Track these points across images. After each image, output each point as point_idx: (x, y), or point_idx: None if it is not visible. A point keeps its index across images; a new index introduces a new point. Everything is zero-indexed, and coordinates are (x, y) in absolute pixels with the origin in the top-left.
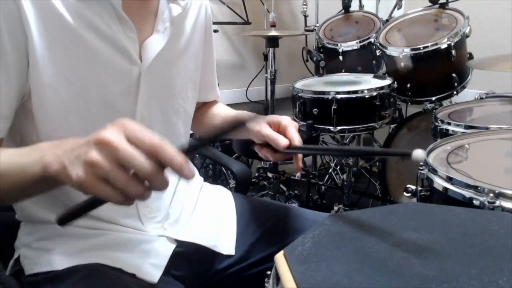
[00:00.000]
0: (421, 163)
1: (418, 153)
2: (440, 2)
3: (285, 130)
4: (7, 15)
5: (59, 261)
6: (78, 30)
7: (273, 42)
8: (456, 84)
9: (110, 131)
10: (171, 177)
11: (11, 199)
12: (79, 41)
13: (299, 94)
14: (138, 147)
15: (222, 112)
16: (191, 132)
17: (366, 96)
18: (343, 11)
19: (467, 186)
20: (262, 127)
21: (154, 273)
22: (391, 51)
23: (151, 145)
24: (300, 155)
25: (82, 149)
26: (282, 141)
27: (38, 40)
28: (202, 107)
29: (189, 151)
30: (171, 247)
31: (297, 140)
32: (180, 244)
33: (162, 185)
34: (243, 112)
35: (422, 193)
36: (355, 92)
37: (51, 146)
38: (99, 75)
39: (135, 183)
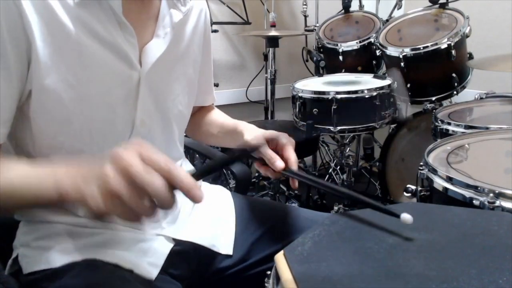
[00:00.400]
0: (421, 163)
1: (406, 217)
2: (440, 2)
3: (282, 149)
4: (10, 22)
5: (57, 259)
6: (79, 35)
7: (273, 42)
8: (456, 84)
9: (125, 150)
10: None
11: (17, 212)
12: (80, 47)
13: (299, 94)
14: (152, 168)
15: (219, 119)
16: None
17: (366, 96)
18: (343, 11)
19: (467, 186)
20: (260, 143)
21: (151, 271)
22: (391, 51)
23: (166, 169)
24: (295, 181)
25: (100, 176)
26: (278, 164)
27: (41, 46)
28: (199, 111)
29: (199, 175)
30: (168, 246)
31: (293, 160)
32: (178, 243)
33: (171, 205)
34: (241, 122)
35: (422, 193)
36: (355, 92)
37: (66, 171)
38: (101, 80)
39: (146, 204)
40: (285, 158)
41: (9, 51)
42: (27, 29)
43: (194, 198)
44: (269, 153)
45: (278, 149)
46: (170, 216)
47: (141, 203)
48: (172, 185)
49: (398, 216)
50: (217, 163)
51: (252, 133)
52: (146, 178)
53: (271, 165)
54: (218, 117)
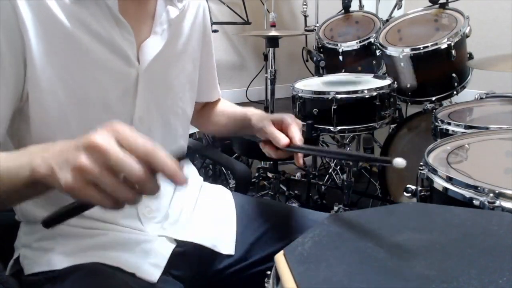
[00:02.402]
0: (421, 163)
1: (398, 161)
2: (440, 2)
3: (287, 128)
4: (4, 20)
5: (59, 261)
6: (75, 33)
7: (273, 42)
8: (456, 84)
9: (101, 135)
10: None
11: (3, 204)
12: (77, 44)
13: (299, 94)
14: (129, 151)
15: (228, 109)
16: (192, 132)
17: (366, 96)
18: (343, 11)
19: (467, 186)
20: (265, 124)
21: (153, 273)
22: (391, 51)
23: (143, 150)
24: (300, 154)
25: (70, 153)
26: (283, 140)
27: (36, 44)
28: (207, 106)
29: (182, 157)
30: (170, 247)
31: (297, 138)
32: (179, 244)
33: (153, 190)
34: (250, 109)
35: (422, 193)
36: (355, 92)
37: (40, 149)
38: (98, 78)
39: (124, 187)
40: (290, 136)
41: (4, 51)
42: (21, 27)
43: (178, 182)
44: (273, 131)
45: (283, 129)
46: (171, 217)
47: (117, 185)
48: (153, 168)
49: (390, 162)
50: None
51: (258, 116)
52: (125, 167)
53: (275, 143)
54: (226, 107)
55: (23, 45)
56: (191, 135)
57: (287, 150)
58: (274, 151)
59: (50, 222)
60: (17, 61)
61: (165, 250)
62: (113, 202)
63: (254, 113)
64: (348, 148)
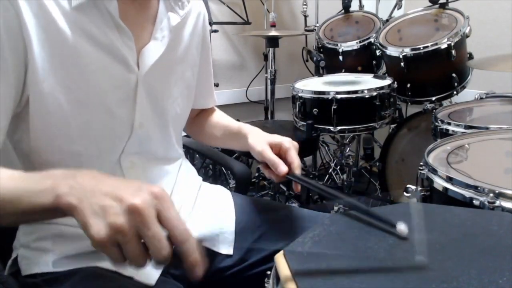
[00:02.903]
0: (421, 163)
1: (402, 228)
2: (440, 2)
3: (285, 154)
4: (8, 26)
5: (57, 263)
6: (76, 40)
7: (273, 42)
8: (456, 84)
9: (146, 201)
10: (169, 179)
11: (15, 223)
12: (78, 51)
13: (299, 94)
14: (165, 227)
15: (222, 121)
16: (185, 134)
17: (366, 96)
18: (343, 11)
19: (467, 186)
20: (264, 149)
21: (152, 274)
22: (391, 51)
23: (179, 235)
24: (298, 185)
25: (110, 204)
26: (282, 168)
27: (37, 50)
28: (201, 114)
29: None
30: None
31: (296, 164)
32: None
33: (165, 264)
34: (245, 125)
35: (422, 193)
36: (355, 92)
37: (65, 176)
38: (99, 83)
39: (143, 258)
40: (289, 162)
41: (7, 55)
42: (24, 33)
43: (193, 275)
44: (272, 158)
45: (282, 153)
46: None
47: (139, 254)
48: (177, 250)
49: (394, 226)
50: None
51: (255, 137)
52: (156, 245)
53: (274, 170)
54: (221, 119)
55: (25, 50)
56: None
57: (286, 177)
58: (274, 175)
59: None
60: (18, 66)
61: None
62: (124, 263)
63: (250, 131)
64: (348, 148)
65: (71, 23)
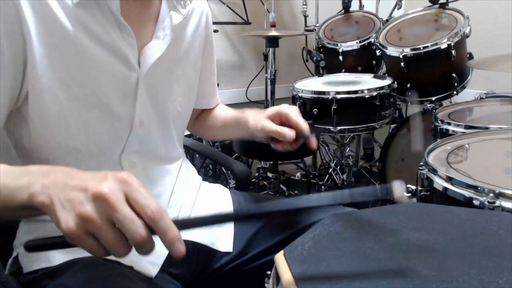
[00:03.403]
0: (421, 163)
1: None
2: (440, 2)
3: (287, 119)
4: (7, 20)
5: (57, 257)
6: (77, 36)
7: (273, 42)
8: (456, 84)
9: (111, 186)
10: (169, 179)
11: None
12: (78, 47)
13: (299, 94)
14: (136, 209)
15: (223, 112)
16: (187, 133)
17: (366, 96)
18: (343, 11)
19: (467, 186)
20: (264, 124)
21: (151, 270)
22: (391, 51)
23: (150, 214)
24: (312, 138)
25: (76, 195)
26: (289, 133)
27: (37, 46)
28: (204, 112)
29: (184, 226)
30: None
31: (302, 124)
32: None
33: (148, 251)
34: (245, 110)
35: (422, 193)
36: (355, 92)
37: (40, 173)
38: (98, 80)
39: (122, 244)
40: (293, 125)
41: (5, 51)
42: (23, 28)
43: (173, 252)
44: (275, 129)
45: (284, 120)
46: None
47: (115, 241)
48: (154, 232)
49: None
50: (205, 220)
51: (254, 117)
52: (130, 227)
53: (282, 139)
54: (222, 111)
55: (24, 45)
56: (191, 135)
57: (298, 139)
58: (289, 144)
59: (33, 247)
60: (17, 60)
61: (163, 249)
62: (105, 253)
63: (249, 113)
64: (348, 148)
65: (72, 19)
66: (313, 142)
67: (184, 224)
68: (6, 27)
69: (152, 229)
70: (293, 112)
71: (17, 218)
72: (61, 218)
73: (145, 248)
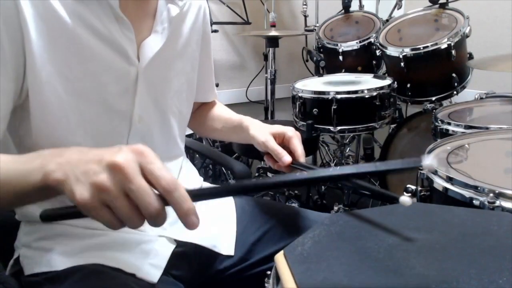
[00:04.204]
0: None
1: (405, 200)
2: (440, 2)
3: (289, 143)
4: (5, 15)
5: (59, 261)
6: (76, 30)
7: (273, 42)
8: (456, 84)
9: (126, 157)
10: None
11: (10, 206)
12: (77, 41)
13: (299, 94)
14: (150, 180)
15: (223, 114)
16: (191, 132)
17: (366, 96)
18: (343, 11)
19: (467, 186)
20: (267, 139)
21: (153, 273)
22: (391, 51)
23: (164, 184)
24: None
25: (91, 167)
26: (285, 158)
27: (36, 40)
28: (202, 107)
29: (199, 197)
30: (170, 247)
31: (300, 152)
32: (179, 244)
33: (160, 223)
34: (246, 118)
35: (422, 193)
36: (355, 92)
37: (53, 154)
38: (98, 75)
39: (136, 216)
40: (292, 151)
41: (5, 46)
42: (22, 23)
43: (188, 224)
44: (276, 148)
45: (285, 142)
46: (171, 217)
47: (129, 212)
48: (168, 203)
49: (397, 200)
50: (225, 189)
51: (257, 128)
52: (144, 199)
53: (278, 160)
54: (222, 112)
55: (22, 40)
56: (190, 135)
57: (292, 166)
58: (278, 165)
59: (48, 217)
60: (17, 56)
61: (165, 251)
62: (120, 225)
63: (251, 123)
64: (348, 148)
65: (70, 13)
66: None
67: (199, 194)
68: (5, 23)
69: (166, 201)
70: (296, 139)
71: (30, 202)
72: (75, 190)
73: (158, 220)
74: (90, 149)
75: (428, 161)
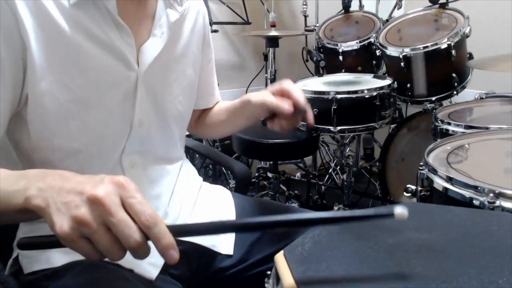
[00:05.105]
0: (421, 163)
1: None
2: (440, 2)
3: (288, 94)
4: (4, 24)
5: (58, 258)
6: (75, 37)
7: (273, 42)
8: (456, 84)
9: (107, 190)
10: (170, 179)
11: None
12: (76, 49)
13: None
14: (131, 214)
15: (225, 104)
16: (187, 133)
17: (366, 96)
18: (343, 11)
19: (467, 186)
20: (265, 97)
21: (151, 271)
22: (391, 51)
23: (145, 220)
24: (310, 114)
25: (72, 198)
26: (287, 107)
27: (36, 49)
28: (205, 112)
29: (179, 233)
30: None
31: (301, 98)
32: (178, 243)
33: (143, 256)
34: (246, 94)
35: (422, 193)
36: (355, 92)
37: (37, 177)
38: (98, 82)
39: (117, 248)
40: (294, 100)
41: (4, 55)
42: (22, 32)
43: (167, 259)
44: (275, 102)
45: (285, 95)
46: (170, 216)
47: (110, 245)
48: (148, 238)
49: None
50: (201, 228)
51: (256, 95)
52: (124, 232)
53: (281, 112)
54: (223, 104)
55: (23, 49)
56: (190, 135)
57: (297, 113)
58: (284, 122)
59: (26, 246)
60: (16, 65)
61: None
62: (99, 257)
63: (250, 94)
64: (348, 148)
65: (69, 21)
66: (310, 117)
67: (180, 231)
68: (4, 32)
69: (146, 236)
70: (294, 89)
71: (16, 222)
72: (56, 221)
73: (140, 252)
74: (73, 175)
75: (399, 210)
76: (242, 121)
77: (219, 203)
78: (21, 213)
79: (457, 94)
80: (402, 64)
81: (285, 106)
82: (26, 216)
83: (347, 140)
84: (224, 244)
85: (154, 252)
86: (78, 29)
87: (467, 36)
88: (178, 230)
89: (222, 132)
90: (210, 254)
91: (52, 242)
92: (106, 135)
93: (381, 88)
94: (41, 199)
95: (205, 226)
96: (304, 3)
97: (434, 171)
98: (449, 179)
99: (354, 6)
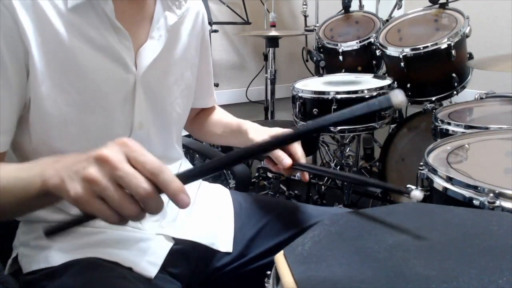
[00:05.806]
0: (421, 163)
1: (416, 194)
2: (440, 2)
3: (290, 151)
4: (6, 31)
5: (57, 257)
6: (73, 42)
7: (273, 42)
8: (456, 84)
9: (111, 149)
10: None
11: (13, 215)
12: (75, 53)
13: (299, 94)
14: (137, 167)
15: (223, 119)
16: (187, 133)
17: (366, 96)
18: (343, 11)
19: (467, 186)
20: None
21: (150, 269)
22: (391, 51)
23: (150, 168)
24: (306, 174)
25: (81, 165)
26: (286, 161)
27: (36, 53)
28: (202, 112)
29: (187, 178)
30: (168, 245)
31: (300, 154)
32: (177, 242)
33: (156, 208)
34: (246, 122)
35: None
36: (355, 92)
37: (51, 161)
38: (97, 85)
39: (130, 203)
40: (292, 153)
41: (7, 61)
42: (23, 37)
43: (179, 203)
44: (276, 151)
45: (287, 151)
46: (169, 215)
47: (123, 200)
48: (158, 188)
49: (408, 194)
50: (210, 165)
51: (256, 132)
52: (132, 182)
53: (279, 164)
54: (221, 117)
55: (25, 54)
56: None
57: (294, 168)
58: (283, 170)
59: (52, 232)
60: (20, 70)
61: (163, 249)
62: (118, 217)
63: (250, 126)
64: (348, 148)
65: (67, 25)
66: (306, 175)
67: (187, 176)
68: (6, 38)
69: (157, 186)
70: (298, 149)
71: (32, 210)
72: (69, 188)
73: (153, 204)
74: (83, 154)
75: (395, 96)
76: (235, 143)
77: (217, 201)
78: (40, 197)
79: (457, 94)
80: (402, 64)
81: (284, 160)
82: (44, 202)
83: (347, 140)
84: (223, 241)
85: (153, 251)
86: (76, 33)
87: (467, 36)
88: (185, 176)
89: (216, 143)
90: (209, 252)
91: (74, 220)
92: (106, 138)
93: (381, 88)
94: (57, 178)
95: (210, 165)
96: (304, 3)
97: (434, 171)
98: (449, 179)
99: (354, 6)
